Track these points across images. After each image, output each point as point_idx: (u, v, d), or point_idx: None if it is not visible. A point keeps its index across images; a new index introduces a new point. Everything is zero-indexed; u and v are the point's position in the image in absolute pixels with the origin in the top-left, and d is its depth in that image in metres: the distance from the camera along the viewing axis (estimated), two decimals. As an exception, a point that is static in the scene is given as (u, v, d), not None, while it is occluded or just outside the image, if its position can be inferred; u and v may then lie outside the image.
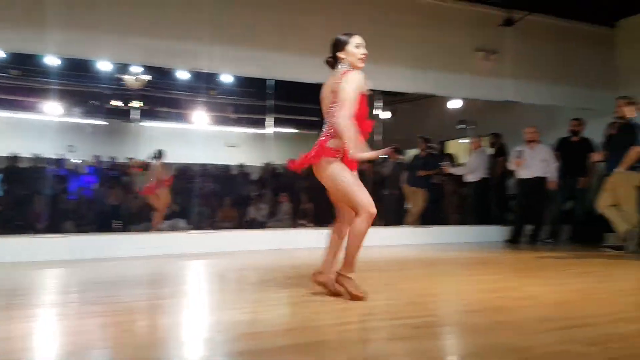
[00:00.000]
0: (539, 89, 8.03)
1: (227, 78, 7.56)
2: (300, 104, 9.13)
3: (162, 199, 7.50)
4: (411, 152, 9.06)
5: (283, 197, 9.17)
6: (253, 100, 8.20)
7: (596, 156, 6.72)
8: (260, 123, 7.88)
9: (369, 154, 2.97)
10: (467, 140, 9.22)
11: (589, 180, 7.15)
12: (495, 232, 7.91)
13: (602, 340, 2.05)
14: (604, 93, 8.19)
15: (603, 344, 2.00)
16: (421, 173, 8.06)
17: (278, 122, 7.85)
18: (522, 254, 6.12)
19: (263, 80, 7.06)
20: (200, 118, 8.32)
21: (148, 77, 7.47)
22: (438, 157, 8.70)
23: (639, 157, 5.69)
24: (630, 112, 5.82)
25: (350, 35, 3.06)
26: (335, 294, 2.98)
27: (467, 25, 7.61)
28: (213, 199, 9.01)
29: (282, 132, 8.67)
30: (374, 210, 2.89)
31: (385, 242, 7.05)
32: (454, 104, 9.35)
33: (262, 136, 7.70)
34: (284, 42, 6.64)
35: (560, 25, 8.23)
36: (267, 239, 6.67)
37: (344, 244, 3.02)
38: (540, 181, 7.18)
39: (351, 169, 3.02)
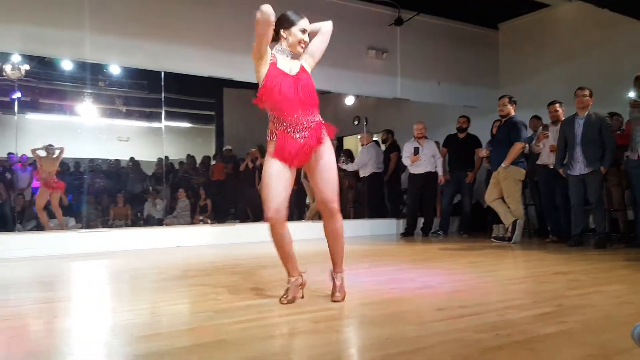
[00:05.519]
0: (427, 87, 8.41)
1: (115, 69, 7.17)
2: (192, 97, 8.85)
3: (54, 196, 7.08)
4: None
5: (180, 193, 8.90)
6: (145, 92, 7.85)
7: (482, 152, 7.16)
8: (154, 116, 7.56)
9: None
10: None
11: (475, 174, 7.60)
12: (389, 225, 8.20)
13: (492, 328, 2.14)
14: (487, 91, 8.76)
15: (493, 331, 2.08)
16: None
17: (170, 116, 7.58)
18: (416, 245, 6.37)
19: (157, 73, 6.75)
20: (87, 110, 7.80)
21: (26, 67, 6.89)
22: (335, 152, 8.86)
23: (521, 153, 6.14)
24: (512, 110, 6.26)
25: (301, 17, 2.72)
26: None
27: (359, 24, 7.80)
28: (105, 196, 8.52)
29: (175, 126, 8.40)
30: (269, 214, 2.59)
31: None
32: (350, 100, 9.54)
33: (156, 130, 7.40)
34: (175, 33, 6.44)
35: (447, 26, 8.67)
36: (164, 237, 6.43)
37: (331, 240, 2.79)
38: (430, 176, 7.52)
39: (288, 160, 2.63)
